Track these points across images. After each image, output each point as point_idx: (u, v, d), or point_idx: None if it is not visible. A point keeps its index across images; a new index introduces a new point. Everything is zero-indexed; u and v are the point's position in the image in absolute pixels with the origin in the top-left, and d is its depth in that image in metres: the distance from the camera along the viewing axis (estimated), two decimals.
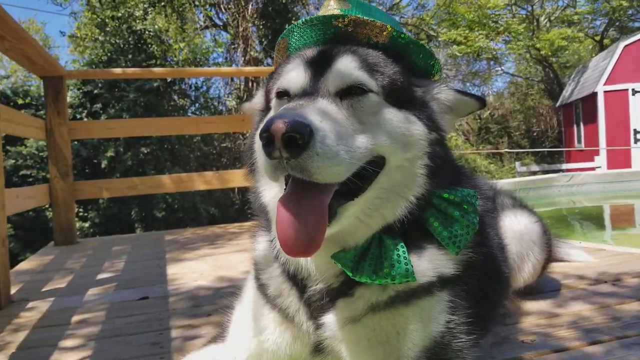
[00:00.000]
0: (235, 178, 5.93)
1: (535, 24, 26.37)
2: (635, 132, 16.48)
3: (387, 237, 1.25)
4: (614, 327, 1.89)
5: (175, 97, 13.69)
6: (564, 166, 18.56)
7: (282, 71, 1.33)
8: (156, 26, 13.60)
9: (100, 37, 13.84)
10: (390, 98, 1.24)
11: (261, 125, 1.03)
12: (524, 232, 2.15)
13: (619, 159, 16.25)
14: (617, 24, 26.10)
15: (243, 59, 14.32)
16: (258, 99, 1.55)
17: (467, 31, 22.37)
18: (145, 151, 12.06)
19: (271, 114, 1.36)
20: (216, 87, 17.44)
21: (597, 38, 26.89)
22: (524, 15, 26.60)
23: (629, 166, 15.66)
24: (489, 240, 1.63)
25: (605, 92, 16.75)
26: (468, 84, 30.64)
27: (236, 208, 12.02)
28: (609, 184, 11.93)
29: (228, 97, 15.29)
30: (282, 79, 1.30)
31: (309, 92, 1.20)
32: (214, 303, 2.56)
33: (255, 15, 14.28)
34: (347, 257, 1.22)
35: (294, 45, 1.39)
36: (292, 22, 13.68)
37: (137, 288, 3.03)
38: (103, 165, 12.02)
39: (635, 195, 10.75)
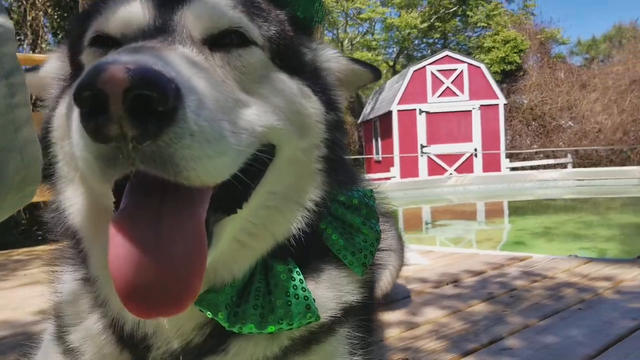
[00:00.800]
0: None
1: (340, 47, 28.80)
2: (422, 146, 18.89)
3: (275, 261, 0.88)
4: (475, 331, 1.85)
5: None
6: (366, 177, 20.37)
7: (102, 7, 0.82)
8: None
9: None
10: (278, 58, 0.86)
11: (74, 85, 0.57)
12: (382, 238, 2.00)
13: (409, 169, 18.47)
14: (405, 52, 30.09)
15: (32, 52, 12.20)
16: (53, 64, 1.01)
17: None
18: None
19: None
20: None
21: (391, 63, 30.58)
22: (330, 38, 28.82)
23: (417, 175, 17.92)
24: None
25: (398, 110, 18.88)
26: None
27: (22, 229, 9.87)
28: (407, 190, 13.37)
29: None
30: (103, 18, 0.79)
31: (156, 36, 0.74)
32: None
33: (47, 4, 12.29)
34: (221, 300, 0.82)
35: None
36: None
37: None
38: None
39: (423, 201, 12.22)
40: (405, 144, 18.96)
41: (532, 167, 17.62)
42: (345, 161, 1.00)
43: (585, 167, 16.36)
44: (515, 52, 21.02)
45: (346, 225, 1.00)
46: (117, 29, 0.78)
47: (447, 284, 2.58)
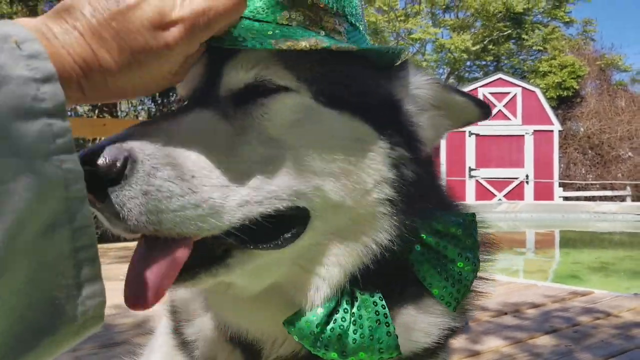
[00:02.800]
0: None
1: None
2: (470, 169, 18.57)
3: (361, 292, 0.88)
4: None
5: None
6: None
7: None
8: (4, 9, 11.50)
9: None
10: (323, 96, 0.80)
11: None
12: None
13: (456, 193, 18.13)
14: (456, 73, 29.78)
15: None
16: None
17: None
18: None
19: None
20: None
21: None
22: None
23: (464, 199, 17.43)
24: None
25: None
26: None
27: None
28: None
29: None
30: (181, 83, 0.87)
31: (196, 98, 0.81)
32: (72, 350, 2.12)
33: None
34: (307, 324, 0.85)
35: None
36: None
37: None
38: None
39: None
40: (453, 166, 18.65)
41: (586, 198, 16.94)
42: (429, 194, 0.93)
43: None
44: (572, 78, 20.40)
45: (441, 257, 0.93)
46: (183, 93, 0.86)
47: (507, 314, 2.58)
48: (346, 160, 0.80)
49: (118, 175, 0.65)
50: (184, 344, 1.05)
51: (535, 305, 2.72)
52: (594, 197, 17.02)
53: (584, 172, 19.36)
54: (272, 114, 0.77)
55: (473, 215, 0.97)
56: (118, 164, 0.65)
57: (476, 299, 1.10)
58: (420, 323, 0.93)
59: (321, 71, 0.80)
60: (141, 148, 0.68)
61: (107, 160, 0.65)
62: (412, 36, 27.84)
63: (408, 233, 0.88)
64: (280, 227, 0.78)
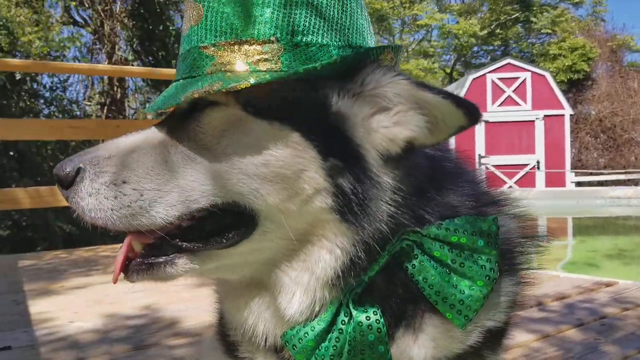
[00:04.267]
0: None
1: None
2: (480, 156, 18.47)
3: (356, 309, 0.86)
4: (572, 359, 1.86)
5: (26, 97, 11.82)
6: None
7: None
8: (8, 13, 11.54)
9: None
10: (251, 107, 0.81)
11: None
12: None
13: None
14: (463, 59, 29.51)
15: (108, 60, 13.03)
16: None
17: None
18: None
19: None
20: (73, 90, 15.52)
21: (447, 70, 30.08)
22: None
23: None
24: None
25: None
26: None
27: None
28: None
29: (89, 101, 13.67)
30: None
31: (164, 119, 0.93)
32: (106, 353, 2.05)
33: (124, 15, 13.10)
34: (303, 337, 0.86)
35: None
36: (167, 24, 12.80)
37: None
38: None
39: None
40: (462, 154, 18.57)
41: (599, 183, 16.81)
42: (421, 195, 0.88)
43: None
44: (583, 60, 20.14)
45: (445, 267, 0.87)
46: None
47: (531, 307, 2.57)
48: (279, 166, 0.81)
49: (70, 182, 0.81)
50: (230, 347, 1.07)
51: (559, 297, 2.71)
52: (607, 181, 16.86)
53: (596, 156, 19.19)
54: (204, 125, 0.83)
55: (492, 221, 0.89)
56: (71, 173, 0.81)
57: (523, 297, 1.07)
58: (449, 331, 0.91)
59: (248, 87, 0.78)
60: (90, 159, 0.82)
61: (63, 171, 0.81)
62: (417, 22, 27.59)
63: (376, 241, 0.84)
64: (225, 227, 0.84)
